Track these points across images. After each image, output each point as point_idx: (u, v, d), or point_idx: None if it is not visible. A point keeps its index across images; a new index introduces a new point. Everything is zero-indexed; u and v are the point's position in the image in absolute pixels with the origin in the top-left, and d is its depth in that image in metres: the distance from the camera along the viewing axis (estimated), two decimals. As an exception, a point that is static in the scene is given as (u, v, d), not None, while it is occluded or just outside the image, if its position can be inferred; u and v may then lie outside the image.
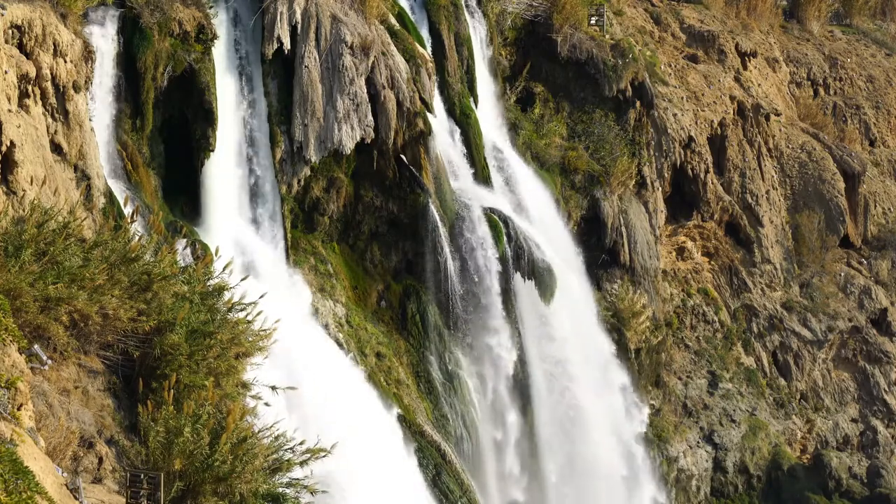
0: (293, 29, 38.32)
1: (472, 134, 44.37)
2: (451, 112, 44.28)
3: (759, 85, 60.52)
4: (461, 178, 43.37)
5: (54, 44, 29.94)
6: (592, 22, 52.39)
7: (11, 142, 27.30)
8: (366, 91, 39.14)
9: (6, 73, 27.81)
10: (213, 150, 36.17)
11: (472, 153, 44.25)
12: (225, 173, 37.10)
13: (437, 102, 42.94)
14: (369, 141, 39.35)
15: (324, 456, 20.44)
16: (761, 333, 56.46)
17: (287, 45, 38.06)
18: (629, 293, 49.23)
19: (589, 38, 50.34)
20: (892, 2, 75.98)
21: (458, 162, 43.72)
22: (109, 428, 19.98)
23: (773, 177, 58.90)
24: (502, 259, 41.98)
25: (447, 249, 41.04)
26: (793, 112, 63.68)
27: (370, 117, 39.07)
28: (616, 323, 48.65)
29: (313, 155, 38.51)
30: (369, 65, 39.22)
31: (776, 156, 60.02)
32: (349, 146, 38.80)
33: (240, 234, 36.92)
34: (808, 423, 56.31)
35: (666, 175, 53.54)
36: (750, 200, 56.87)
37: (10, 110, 27.67)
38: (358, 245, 41.16)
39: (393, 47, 40.44)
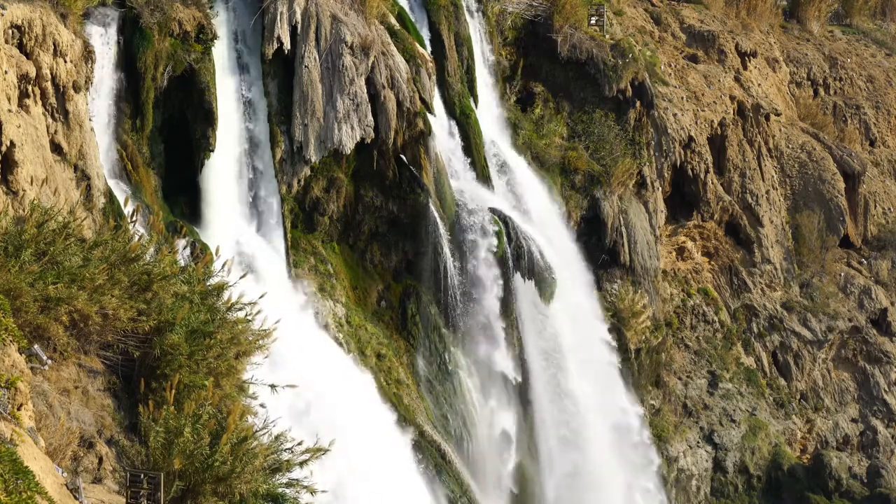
0: (293, 29, 38.32)
1: (472, 134, 44.38)
2: (451, 112, 44.29)
3: (759, 85, 60.51)
4: (461, 178, 43.39)
5: (54, 44, 29.96)
6: (592, 22, 52.38)
7: (11, 142, 27.33)
8: (366, 91, 39.15)
9: (6, 73, 27.83)
10: (213, 150, 36.20)
11: (472, 153, 44.26)
12: (225, 173, 37.13)
13: (437, 102, 42.94)
14: (369, 141, 39.36)
15: (323, 455, 20.45)
16: (761, 333, 56.46)
17: (287, 45, 38.07)
18: (629, 293, 49.23)
19: (589, 38, 50.34)
20: (892, 2, 75.95)
21: (458, 162, 43.73)
22: (109, 428, 19.98)
23: (773, 177, 58.90)
24: (502, 259, 41.99)
25: (447, 249, 41.05)
26: (793, 112, 63.68)
27: (370, 117, 39.08)
28: (616, 323, 48.65)
29: (313, 155, 38.52)
30: (369, 65, 39.23)
31: (776, 156, 60.02)
32: (349, 146, 38.81)
33: (240, 234, 36.94)
34: (808, 423, 56.32)
35: (666, 175, 53.54)
36: (750, 200, 56.87)
37: (10, 110, 27.69)
38: (358, 245, 41.17)
39: (393, 47, 40.44)
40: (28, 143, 28.01)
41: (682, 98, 54.95)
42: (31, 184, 27.65)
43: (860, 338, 58.45)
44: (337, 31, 38.88)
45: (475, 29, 47.48)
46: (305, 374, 32.00)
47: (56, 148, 30.30)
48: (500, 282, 41.96)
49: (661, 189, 52.82)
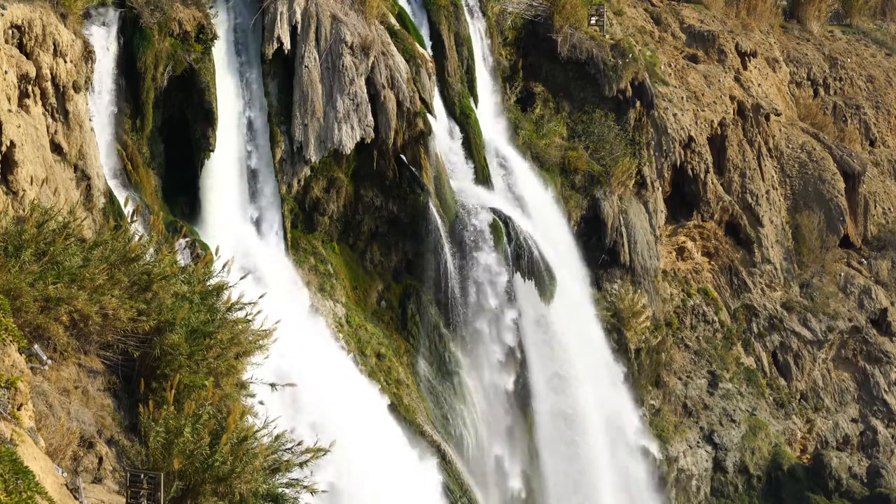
0: (293, 29, 38.33)
1: (472, 134, 44.37)
2: (451, 112, 44.27)
3: (759, 85, 60.50)
4: (461, 178, 43.38)
5: (54, 44, 29.96)
6: (592, 22, 52.37)
7: (11, 142, 27.34)
8: (366, 91, 39.15)
9: (6, 73, 27.83)
10: (213, 150, 36.20)
11: (472, 153, 44.25)
12: (225, 173, 37.13)
13: (437, 102, 42.94)
14: (369, 141, 39.36)
15: (323, 455, 20.45)
16: (761, 333, 56.45)
17: (287, 45, 38.07)
18: (629, 293, 49.22)
19: (589, 38, 50.32)
20: (892, 2, 75.95)
21: (458, 162, 43.72)
22: (109, 428, 19.99)
23: (773, 177, 58.90)
24: (502, 259, 41.98)
25: (447, 249, 41.05)
26: (793, 112, 63.67)
27: (370, 117, 39.09)
28: (616, 323, 48.63)
29: (313, 155, 38.53)
30: (369, 65, 39.23)
31: (776, 156, 60.01)
32: (349, 146, 38.82)
33: (240, 234, 36.93)
34: (808, 423, 56.32)
35: (666, 175, 53.53)
36: (750, 200, 56.85)
37: (10, 110, 27.69)
38: (358, 245, 41.17)
39: (393, 47, 40.44)
40: (28, 143, 28.02)
41: (682, 98, 54.95)
42: (31, 184, 27.66)
43: (860, 338, 58.44)
44: (337, 31, 38.87)
45: (475, 29, 47.47)
46: (305, 374, 32.02)
47: (56, 148, 30.30)
48: (500, 282, 41.90)
49: (661, 189, 52.82)
